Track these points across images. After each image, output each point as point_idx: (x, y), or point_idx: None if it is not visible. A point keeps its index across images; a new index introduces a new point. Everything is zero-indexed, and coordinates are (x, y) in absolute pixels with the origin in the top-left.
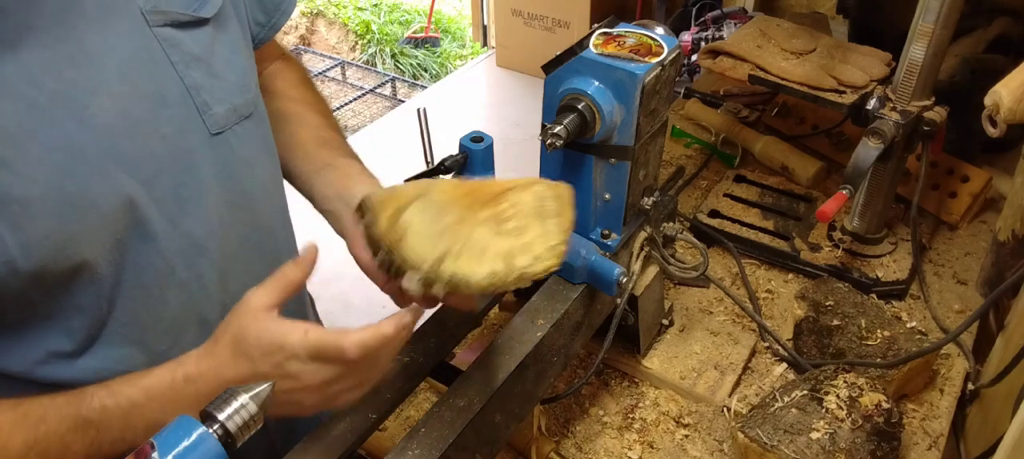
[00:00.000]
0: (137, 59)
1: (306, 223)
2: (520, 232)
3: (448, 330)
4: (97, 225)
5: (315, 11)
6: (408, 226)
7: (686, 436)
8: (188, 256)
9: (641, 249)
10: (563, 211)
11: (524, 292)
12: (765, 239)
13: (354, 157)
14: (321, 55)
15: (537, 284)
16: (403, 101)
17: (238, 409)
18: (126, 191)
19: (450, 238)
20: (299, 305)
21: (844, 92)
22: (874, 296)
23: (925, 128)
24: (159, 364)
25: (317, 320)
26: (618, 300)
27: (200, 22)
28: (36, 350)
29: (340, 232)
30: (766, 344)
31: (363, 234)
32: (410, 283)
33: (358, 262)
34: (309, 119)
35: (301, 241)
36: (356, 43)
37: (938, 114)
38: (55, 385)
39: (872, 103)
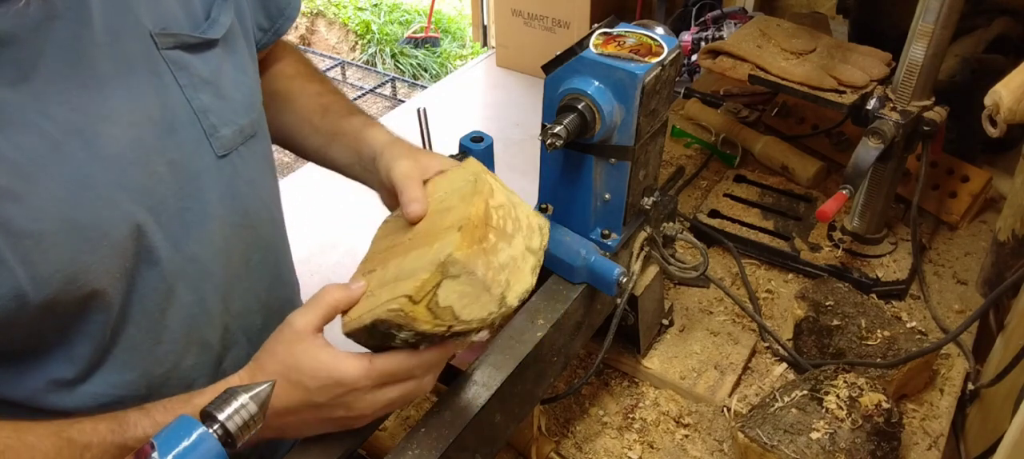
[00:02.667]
0: (146, 84)
1: (306, 225)
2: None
3: None
4: (107, 254)
5: (315, 11)
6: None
7: (686, 436)
8: (191, 279)
9: (641, 249)
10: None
11: None
12: (765, 239)
13: (356, 112)
14: (321, 55)
15: (537, 284)
16: (403, 101)
17: (238, 409)
18: (135, 219)
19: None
20: (289, 293)
21: (844, 92)
22: (874, 296)
23: (925, 128)
24: (157, 389)
25: None
26: (618, 300)
27: (209, 44)
28: (38, 378)
29: (372, 186)
30: (766, 344)
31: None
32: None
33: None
34: (308, 89)
35: (301, 243)
36: (356, 43)
37: (938, 114)
38: (57, 413)
39: (872, 103)
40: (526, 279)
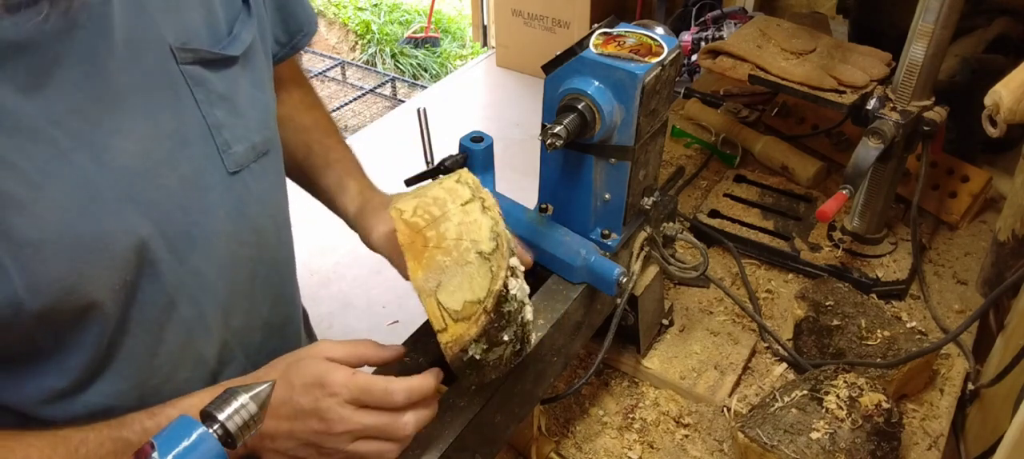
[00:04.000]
0: (162, 98)
1: (306, 226)
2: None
3: None
4: (107, 267)
5: (315, 11)
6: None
7: (686, 436)
8: (193, 294)
9: (641, 249)
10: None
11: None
12: (765, 239)
13: (333, 162)
14: (321, 55)
15: (537, 284)
16: (403, 101)
17: (238, 409)
18: (139, 233)
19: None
20: (291, 310)
21: (844, 92)
22: (874, 296)
23: (925, 128)
24: (149, 401)
25: (310, 334)
26: (618, 300)
27: (229, 61)
28: (33, 388)
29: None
30: (766, 344)
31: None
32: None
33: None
34: (296, 122)
35: (301, 244)
36: (356, 43)
37: (938, 114)
38: (52, 424)
39: (872, 103)
40: (482, 223)
